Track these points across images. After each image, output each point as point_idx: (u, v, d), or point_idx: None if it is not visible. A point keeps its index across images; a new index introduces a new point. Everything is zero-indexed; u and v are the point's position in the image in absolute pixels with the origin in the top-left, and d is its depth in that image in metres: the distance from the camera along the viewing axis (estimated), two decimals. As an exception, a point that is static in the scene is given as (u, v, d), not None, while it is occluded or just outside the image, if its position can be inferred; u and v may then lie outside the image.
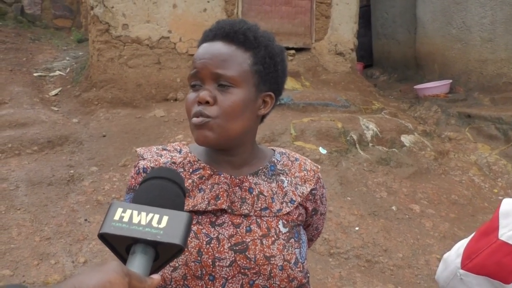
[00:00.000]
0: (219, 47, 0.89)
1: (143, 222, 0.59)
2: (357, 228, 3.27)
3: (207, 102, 0.86)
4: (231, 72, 0.87)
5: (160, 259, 0.61)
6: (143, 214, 0.60)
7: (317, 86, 5.77)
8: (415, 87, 6.57)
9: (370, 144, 4.43)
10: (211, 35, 0.92)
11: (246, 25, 0.92)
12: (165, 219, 0.60)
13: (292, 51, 6.03)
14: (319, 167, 1.04)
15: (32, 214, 3.23)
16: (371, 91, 6.26)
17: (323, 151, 4.12)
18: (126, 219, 0.59)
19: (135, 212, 0.60)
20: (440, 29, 6.71)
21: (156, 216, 0.60)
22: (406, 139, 4.69)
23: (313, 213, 1.02)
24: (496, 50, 6.08)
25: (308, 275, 1.01)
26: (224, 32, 0.90)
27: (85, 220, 3.22)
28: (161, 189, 0.66)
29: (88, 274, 0.51)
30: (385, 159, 4.30)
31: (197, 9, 5.47)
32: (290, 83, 5.56)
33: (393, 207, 3.64)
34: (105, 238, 0.59)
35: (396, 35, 7.88)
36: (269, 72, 0.93)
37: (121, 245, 0.60)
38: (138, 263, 0.57)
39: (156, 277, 0.58)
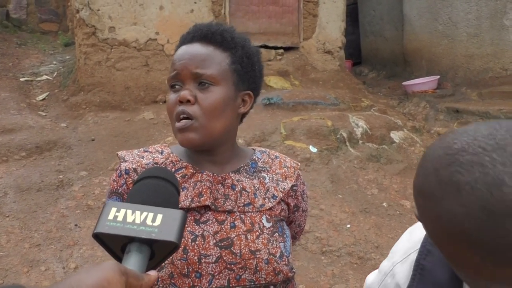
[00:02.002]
0: (197, 48, 0.91)
1: (137, 221, 0.59)
2: (348, 226, 3.28)
3: (188, 101, 0.88)
4: (211, 71, 0.89)
5: (156, 258, 0.61)
6: (137, 213, 0.60)
7: (307, 85, 5.78)
8: (403, 83, 6.62)
9: (360, 141, 4.45)
10: (189, 38, 0.94)
11: (223, 27, 0.95)
12: (159, 217, 0.60)
13: (281, 51, 6.03)
14: (299, 164, 1.07)
15: (21, 220, 3.19)
16: (360, 89, 6.29)
17: (313, 149, 4.13)
18: (120, 218, 0.59)
19: (129, 211, 0.60)
20: (427, 26, 6.76)
21: (151, 215, 0.60)
22: (395, 135, 4.71)
23: (295, 209, 1.04)
24: (482, 45, 6.14)
25: (294, 270, 1.02)
26: (201, 33, 0.93)
27: (75, 225, 3.19)
28: (155, 188, 0.66)
29: (85, 273, 0.51)
30: (375, 156, 4.32)
31: (184, 10, 5.45)
32: (279, 83, 5.57)
33: (384, 204, 3.66)
34: (99, 238, 0.59)
35: (384, 32, 7.92)
36: (247, 72, 0.95)
37: (116, 245, 0.60)
38: (133, 261, 0.57)
39: (153, 273, 0.58)
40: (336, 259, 2.97)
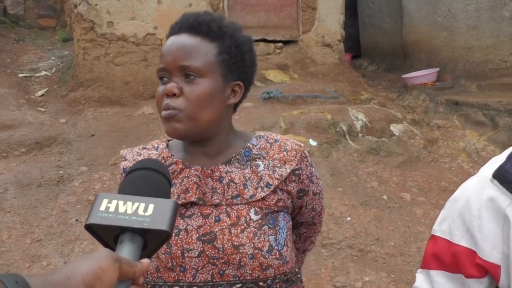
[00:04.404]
0: (184, 39, 0.91)
1: (129, 211, 0.60)
2: (349, 218, 3.29)
3: (174, 95, 0.88)
4: (196, 63, 0.88)
5: (149, 247, 0.62)
6: (129, 203, 0.61)
7: (306, 78, 5.77)
8: (403, 76, 6.60)
9: (360, 135, 4.45)
10: (176, 28, 0.94)
11: (210, 16, 0.93)
12: (151, 207, 0.61)
13: (280, 44, 6.01)
14: (302, 145, 1.01)
15: (22, 216, 3.20)
16: (360, 82, 6.28)
17: (313, 143, 4.13)
18: (112, 209, 0.60)
19: (121, 202, 0.61)
20: (426, 18, 6.74)
21: (142, 205, 0.61)
22: (395, 128, 4.71)
23: (301, 194, 0.99)
24: (482, 37, 6.12)
25: (297, 270, 1.00)
26: (188, 24, 0.92)
27: (76, 220, 3.20)
28: (145, 179, 0.66)
29: (79, 262, 0.52)
30: (375, 149, 4.33)
31: (182, 5, 5.42)
32: (278, 76, 5.55)
33: (384, 196, 3.67)
34: (92, 229, 0.60)
35: (383, 25, 7.89)
36: (236, 61, 0.93)
37: (108, 235, 0.61)
38: (126, 251, 0.58)
39: (146, 261, 0.59)
40: (336, 251, 2.98)
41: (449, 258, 0.85)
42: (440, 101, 5.57)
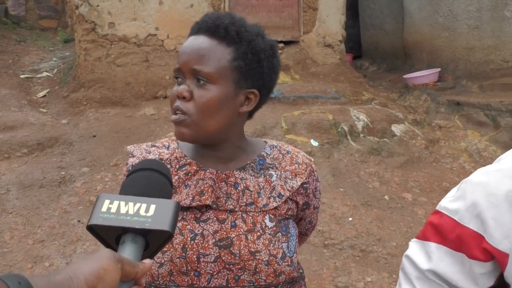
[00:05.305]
0: (200, 42, 0.89)
1: (130, 212, 0.60)
2: (350, 219, 3.29)
3: (184, 98, 0.87)
4: (208, 69, 0.86)
5: (151, 248, 0.62)
6: (131, 204, 0.61)
7: (307, 79, 5.77)
8: (404, 76, 6.60)
9: (361, 135, 4.45)
10: (196, 28, 0.92)
11: (230, 20, 0.90)
12: (152, 207, 0.61)
13: (281, 45, 6.01)
14: (312, 159, 1.02)
15: (24, 217, 3.20)
16: (361, 82, 6.28)
17: (314, 143, 4.13)
18: (113, 209, 0.60)
19: (123, 203, 0.61)
20: (427, 18, 6.73)
21: (144, 205, 0.61)
22: (396, 128, 4.71)
23: (304, 207, 1.00)
24: (483, 37, 6.11)
25: (301, 271, 1.01)
26: (207, 26, 0.90)
27: (78, 221, 3.20)
28: (147, 179, 0.66)
29: (81, 262, 0.52)
30: (376, 149, 4.33)
31: (183, 5, 5.43)
32: (280, 77, 5.54)
33: (386, 197, 3.66)
34: (94, 230, 0.60)
35: (384, 26, 7.89)
36: (252, 69, 0.90)
37: (110, 236, 0.61)
38: (128, 251, 0.58)
39: (148, 261, 0.59)
40: (338, 252, 2.98)
41: (454, 236, 0.86)
42: (441, 101, 5.56)
